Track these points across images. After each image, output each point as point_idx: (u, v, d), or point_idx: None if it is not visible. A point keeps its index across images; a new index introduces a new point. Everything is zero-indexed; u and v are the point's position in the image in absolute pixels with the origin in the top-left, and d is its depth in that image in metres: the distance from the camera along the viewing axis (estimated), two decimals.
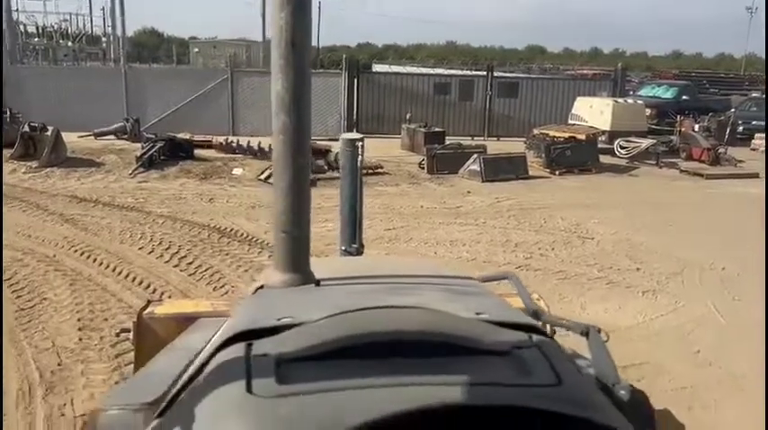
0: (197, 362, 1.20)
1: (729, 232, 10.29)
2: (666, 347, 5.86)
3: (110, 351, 5.19)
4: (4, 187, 11.08)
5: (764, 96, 23.44)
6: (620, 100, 18.61)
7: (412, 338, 1.08)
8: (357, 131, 20.71)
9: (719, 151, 17.17)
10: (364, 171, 15.50)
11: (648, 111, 19.76)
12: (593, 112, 17.78)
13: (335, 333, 1.10)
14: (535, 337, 1.21)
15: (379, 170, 14.93)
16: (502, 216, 11.16)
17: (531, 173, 14.85)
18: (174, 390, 1.15)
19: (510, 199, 12.49)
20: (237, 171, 14.58)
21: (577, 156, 15.59)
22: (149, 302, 3.69)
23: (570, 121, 18.45)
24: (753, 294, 7.16)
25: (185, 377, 1.17)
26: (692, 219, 11.32)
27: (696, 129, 18.09)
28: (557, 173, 15.17)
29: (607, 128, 17.15)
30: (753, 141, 19.96)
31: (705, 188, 14.45)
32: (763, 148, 18.57)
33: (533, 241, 9.68)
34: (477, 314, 1.32)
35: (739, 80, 36.70)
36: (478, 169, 13.99)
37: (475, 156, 14.36)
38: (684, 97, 23.33)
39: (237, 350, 1.11)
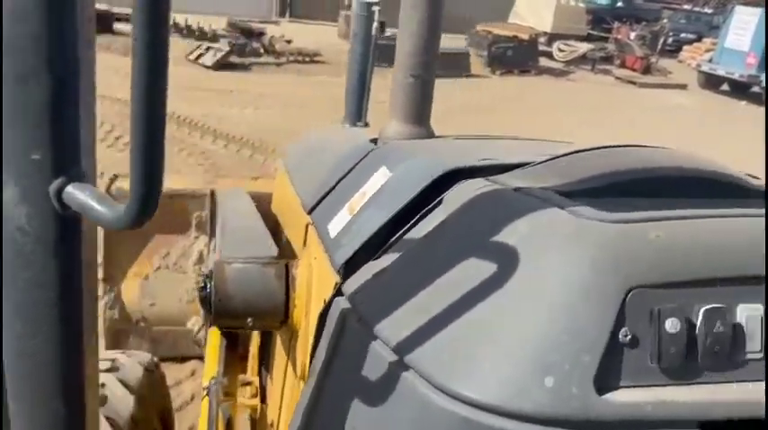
0: (386, 208, 1.05)
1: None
2: None
3: None
4: None
5: (694, 10, 23.86)
6: (563, 1, 18.38)
7: (700, 177, 0.97)
8: (290, 15, 19.58)
9: (652, 61, 17.46)
10: (301, 58, 14.69)
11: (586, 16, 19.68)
12: (535, 12, 17.50)
13: (612, 168, 0.97)
14: None
15: (318, 58, 14.24)
16: (449, 115, 10.95)
17: (472, 71, 14.60)
18: (365, 236, 1.04)
19: (455, 97, 12.25)
20: None
21: (518, 57, 15.43)
22: (116, 176, 3.34)
23: (510, 20, 18.11)
24: None
25: (377, 222, 1.03)
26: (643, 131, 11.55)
27: (632, 37, 18.25)
28: (497, 73, 15.00)
29: (548, 29, 17.00)
30: (681, 53, 20.43)
31: (643, 97, 14.72)
32: (691, 61, 19.05)
33: None
34: None
35: None
36: None
37: None
38: (620, 4, 23.36)
39: (481, 184, 0.91)
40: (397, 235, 0.98)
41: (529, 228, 0.80)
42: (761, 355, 0.74)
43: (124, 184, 3.27)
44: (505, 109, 11.65)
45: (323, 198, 1.30)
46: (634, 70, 17.12)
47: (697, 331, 0.72)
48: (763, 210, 0.86)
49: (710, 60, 16.40)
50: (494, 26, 17.01)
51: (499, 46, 15.29)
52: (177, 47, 13.48)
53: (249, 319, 1.20)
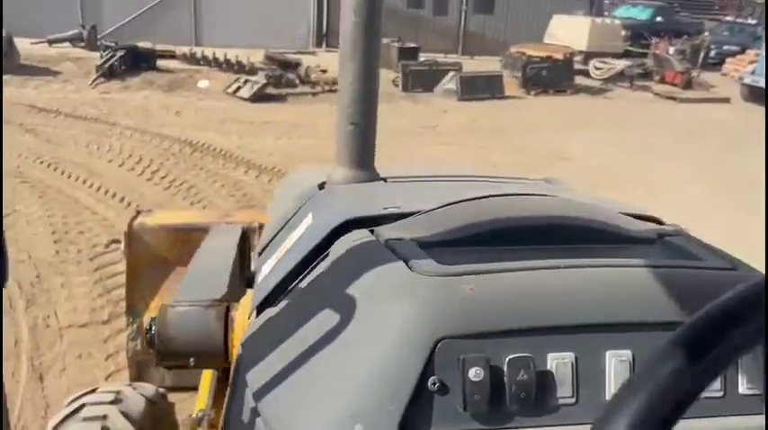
0: (297, 254, 1.09)
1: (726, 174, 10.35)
2: None
3: (89, 264, 4.96)
4: None
5: (737, 21, 23.33)
6: (598, 19, 18.27)
7: (565, 224, 0.98)
8: (326, 45, 19.97)
9: (692, 75, 17.13)
10: (336, 87, 15.10)
11: (623, 33, 19.46)
12: (570, 32, 17.42)
13: (478, 218, 0.99)
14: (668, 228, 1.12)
15: None
16: (480, 136, 10.99)
17: (506, 93, 14.61)
18: (276, 281, 1.10)
19: (487, 118, 12.29)
20: (203, 83, 13.96)
21: (553, 77, 15.36)
22: (139, 212, 3.51)
23: (546, 41, 18.07)
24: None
25: (287, 268, 1.11)
26: (672, 147, 11.35)
27: (671, 52, 17.95)
28: (532, 93, 14.96)
29: (583, 48, 16.88)
30: (724, 66, 19.96)
31: (683, 112, 14.45)
32: (734, 73, 18.60)
33: (513, 162, 9.57)
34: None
35: (709, 3, 36.41)
36: (455, 88, 13.67)
37: (451, 74, 14.00)
38: (659, 18, 23.00)
39: (361, 235, 0.99)
40: (293, 284, 1.06)
41: (370, 281, 0.87)
42: (573, 400, 0.79)
43: (147, 220, 3.44)
44: (532, 128, 11.61)
45: (270, 240, 1.40)
46: (674, 85, 16.79)
47: (505, 378, 0.78)
48: (611, 260, 0.91)
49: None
50: (528, 47, 16.99)
51: (533, 66, 15.27)
52: (217, 81, 13.94)
53: (191, 359, 1.28)
